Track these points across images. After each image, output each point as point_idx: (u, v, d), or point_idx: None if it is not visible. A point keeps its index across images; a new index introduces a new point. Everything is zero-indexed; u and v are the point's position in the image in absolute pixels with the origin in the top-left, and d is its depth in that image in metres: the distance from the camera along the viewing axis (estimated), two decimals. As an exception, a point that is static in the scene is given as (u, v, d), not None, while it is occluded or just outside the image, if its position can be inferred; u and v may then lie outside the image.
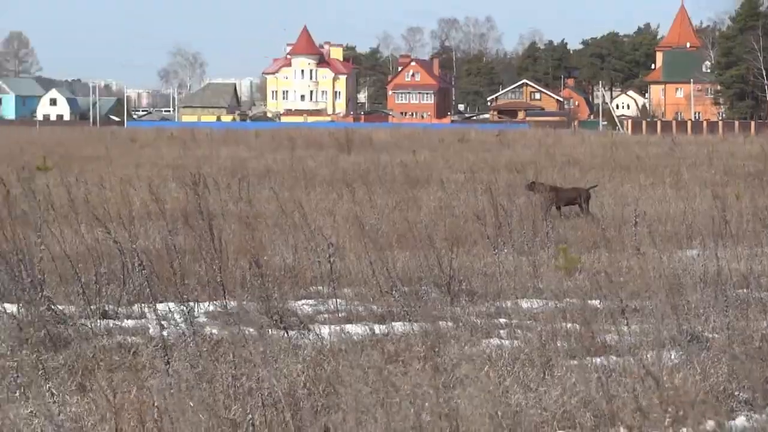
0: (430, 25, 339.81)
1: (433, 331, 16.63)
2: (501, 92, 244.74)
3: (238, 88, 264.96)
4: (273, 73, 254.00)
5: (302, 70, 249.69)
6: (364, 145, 75.67)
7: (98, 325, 17.61)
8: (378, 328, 17.24)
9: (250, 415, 12.12)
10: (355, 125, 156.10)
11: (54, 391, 11.76)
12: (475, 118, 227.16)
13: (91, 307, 18.44)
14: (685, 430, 11.68)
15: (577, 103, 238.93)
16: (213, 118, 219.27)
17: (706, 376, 13.95)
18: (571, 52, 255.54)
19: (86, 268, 19.49)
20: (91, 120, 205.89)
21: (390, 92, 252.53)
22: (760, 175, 46.40)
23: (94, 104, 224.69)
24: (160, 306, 17.61)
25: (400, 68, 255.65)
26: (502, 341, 16.61)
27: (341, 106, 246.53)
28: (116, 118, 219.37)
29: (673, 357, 15.02)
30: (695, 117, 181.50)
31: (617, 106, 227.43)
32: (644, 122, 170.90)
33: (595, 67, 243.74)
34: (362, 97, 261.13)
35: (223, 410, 12.12)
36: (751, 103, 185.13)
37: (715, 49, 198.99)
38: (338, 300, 19.83)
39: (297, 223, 25.37)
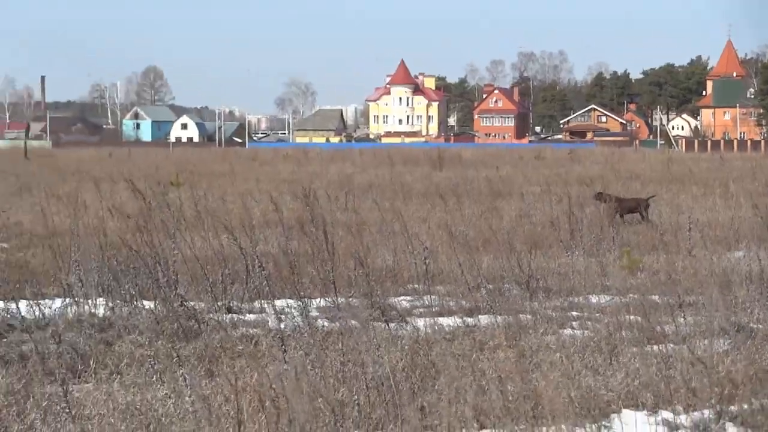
0: (510, 58, 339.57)
1: (514, 323, 16.53)
2: (572, 116, 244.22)
3: (344, 113, 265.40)
4: (375, 100, 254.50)
5: (400, 98, 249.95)
6: (453, 162, 75.49)
7: (224, 318, 17.59)
8: (467, 321, 17.16)
9: (355, 396, 12.04)
10: (446, 145, 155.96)
11: (185, 376, 11.71)
12: (549, 138, 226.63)
13: (218, 303, 18.44)
14: (733, 408, 11.52)
15: (638, 125, 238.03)
16: (323, 140, 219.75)
17: (752, 361, 13.77)
18: (633, 80, 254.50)
19: (213, 270, 19.48)
20: (216, 141, 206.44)
21: (476, 116, 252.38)
22: (798, 187, 46.11)
23: (220, 128, 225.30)
24: (278, 302, 17.59)
25: (484, 95, 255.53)
26: (574, 331, 16.52)
27: (434, 128, 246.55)
28: (239, 140, 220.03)
29: (722, 345, 14.87)
30: (740, 137, 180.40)
31: (673, 128, 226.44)
32: (696, 141, 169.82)
33: (653, 94, 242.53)
34: (452, 120, 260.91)
35: (332, 392, 12.03)
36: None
37: (758, 77, 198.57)
38: (432, 296, 19.76)
39: (396, 230, 25.30)
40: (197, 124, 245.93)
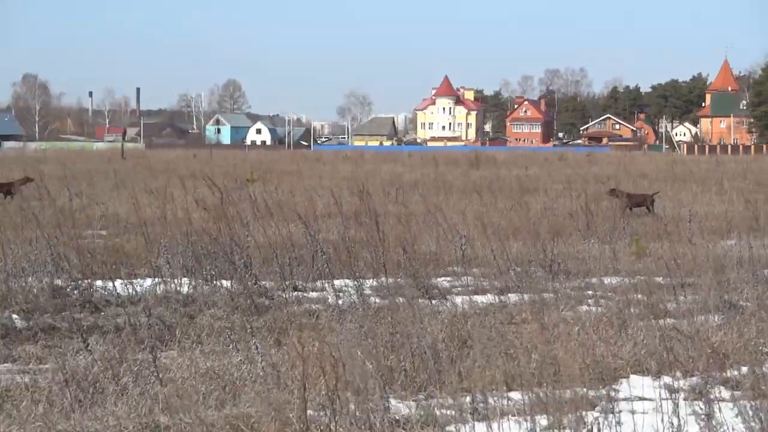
0: (538, 74, 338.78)
1: (538, 300, 16.52)
2: (590, 123, 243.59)
3: (395, 120, 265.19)
4: (422, 110, 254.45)
5: (444, 108, 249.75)
6: (488, 163, 75.42)
7: (290, 296, 17.64)
8: (498, 298, 17.16)
9: (402, 363, 12.07)
10: (482, 148, 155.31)
11: (257, 345, 11.76)
12: (570, 143, 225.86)
13: (285, 282, 18.48)
14: (724, 374, 11.50)
15: (646, 131, 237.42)
16: (377, 143, 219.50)
17: (741, 334, 13.76)
18: (643, 93, 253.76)
19: (282, 254, 19.51)
20: (286, 145, 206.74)
21: (508, 123, 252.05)
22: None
23: (289, 133, 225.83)
24: (336, 282, 17.63)
25: (516, 106, 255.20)
26: (590, 307, 16.51)
27: (472, 134, 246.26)
28: (305, 143, 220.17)
29: (716, 320, 14.88)
30: (734, 142, 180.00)
31: (676, 134, 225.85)
32: (696, 146, 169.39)
33: (660, 105, 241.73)
34: (487, 127, 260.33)
35: (383, 359, 12.06)
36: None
37: (750, 91, 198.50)
38: (468, 277, 19.77)
39: (438, 221, 25.29)
40: (269, 129, 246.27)
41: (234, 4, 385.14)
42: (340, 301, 15.63)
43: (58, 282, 17.66)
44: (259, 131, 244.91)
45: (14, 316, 15.78)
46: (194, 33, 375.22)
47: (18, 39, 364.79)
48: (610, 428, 7.65)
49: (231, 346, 13.04)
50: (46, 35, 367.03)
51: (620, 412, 8.46)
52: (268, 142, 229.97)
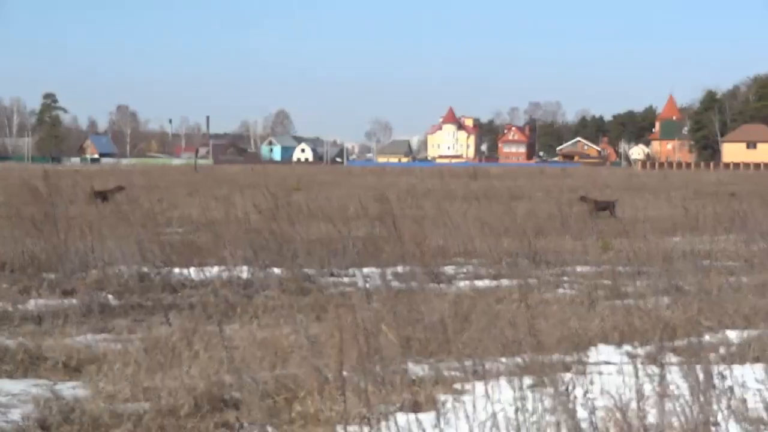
0: (523, 105, 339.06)
1: (524, 284, 16.49)
2: (564, 145, 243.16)
3: (411, 142, 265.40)
4: (432, 134, 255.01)
5: (449, 132, 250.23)
6: (484, 176, 75.43)
7: (328, 280, 17.65)
8: (492, 283, 17.14)
9: (418, 333, 12.06)
10: (479, 164, 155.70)
11: (302, 320, 11.75)
12: (549, 160, 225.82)
13: (324, 270, 18.48)
14: (672, 343, 11.46)
15: (609, 151, 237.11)
16: (396, 160, 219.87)
17: (685, 311, 13.70)
18: (606, 121, 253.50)
19: (321, 247, 19.52)
20: (324, 161, 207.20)
21: (500, 144, 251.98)
22: (716, 194, 46.08)
23: (327, 152, 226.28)
24: (365, 269, 17.59)
25: (506, 131, 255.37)
26: (566, 290, 16.49)
27: (471, 153, 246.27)
28: (339, 160, 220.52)
29: (665, 300, 14.83)
30: (678, 160, 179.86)
31: (632, 153, 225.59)
32: (648, 163, 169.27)
33: (619, 130, 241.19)
34: (484, 147, 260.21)
35: (402, 330, 12.05)
36: (711, 152, 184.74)
37: (690, 119, 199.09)
38: (469, 266, 19.75)
39: (445, 222, 25.27)
40: (312, 149, 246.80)
41: (284, 49, 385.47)
42: (367, 285, 15.59)
43: (144, 269, 17.70)
44: (303, 150, 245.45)
45: (109, 296, 15.80)
46: (252, 71, 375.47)
47: (114, 76, 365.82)
48: (583, 386, 7.59)
49: (281, 321, 13.05)
50: (136, 73, 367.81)
51: (590, 373, 8.44)
52: (310, 159, 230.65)
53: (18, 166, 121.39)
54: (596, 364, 10.95)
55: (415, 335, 12.02)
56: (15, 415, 9.21)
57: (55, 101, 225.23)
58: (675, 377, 7.95)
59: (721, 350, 11.77)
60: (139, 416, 9.17)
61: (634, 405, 7.73)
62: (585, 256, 20.57)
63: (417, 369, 10.54)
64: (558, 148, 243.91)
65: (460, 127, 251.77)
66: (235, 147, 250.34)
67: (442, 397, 9.26)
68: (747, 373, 9.20)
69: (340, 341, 9.38)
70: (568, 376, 9.00)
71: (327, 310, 13.97)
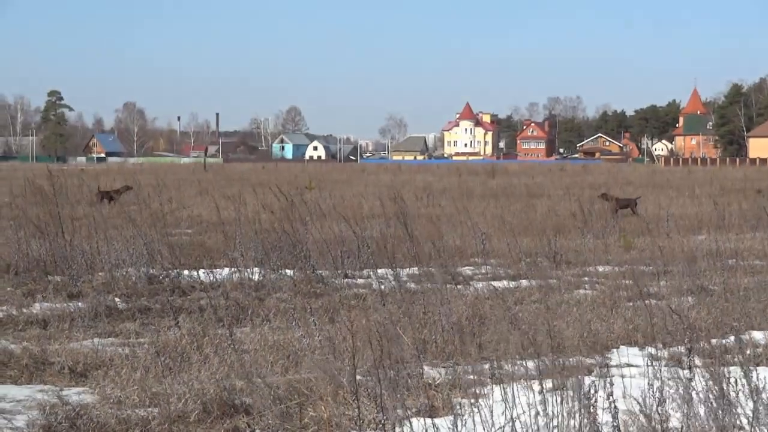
0: (542, 100, 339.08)
1: (544, 285, 16.48)
2: (585, 141, 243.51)
3: (426, 139, 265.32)
4: (448, 130, 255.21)
5: (465, 128, 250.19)
6: (502, 173, 75.39)
7: (342, 282, 17.63)
8: (511, 284, 17.13)
9: (434, 336, 12.05)
10: (497, 161, 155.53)
11: (315, 322, 11.75)
12: (569, 157, 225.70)
13: (338, 271, 18.48)
14: (697, 345, 11.44)
15: (631, 147, 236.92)
16: (411, 157, 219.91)
17: (710, 312, 13.69)
18: (628, 116, 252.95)
19: (335, 248, 19.51)
20: (338, 159, 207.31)
21: (518, 141, 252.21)
22: (743, 190, 45.96)
23: (340, 149, 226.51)
24: (379, 270, 17.60)
25: (524, 127, 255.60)
26: (586, 291, 16.45)
27: (489, 150, 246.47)
28: (353, 158, 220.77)
29: (689, 301, 14.80)
30: (702, 156, 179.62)
31: (655, 149, 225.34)
32: (671, 159, 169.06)
33: (642, 126, 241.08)
34: (501, 144, 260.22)
35: (417, 333, 12.05)
36: (737, 147, 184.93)
37: (715, 114, 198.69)
38: (487, 266, 19.72)
39: (462, 220, 25.26)
40: (324, 146, 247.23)
41: (295, 42, 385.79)
42: (382, 287, 15.60)
43: (153, 271, 17.72)
44: (315, 148, 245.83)
45: (117, 299, 15.84)
46: (262, 68, 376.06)
47: (120, 72, 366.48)
48: (605, 389, 7.59)
49: (293, 323, 13.04)
50: (143, 70, 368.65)
51: (613, 376, 8.44)
52: (323, 157, 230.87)
53: (22, 165, 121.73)
54: (618, 366, 10.93)
55: (431, 338, 12.03)
56: (20, 421, 9.24)
57: (61, 99, 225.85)
58: (699, 380, 7.95)
59: (747, 352, 11.76)
60: (147, 422, 9.19)
61: (657, 408, 7.72)
62: (606, 256, 20.54)
63: (433, 372, 10.54)
64: (578, 145, 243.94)
65: (478, 123, 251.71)
66: (246, 145, 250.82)
67: (458, 402, 9.25)
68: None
69: (353, 344, 9.38)
70: (589, 379, 8.99)
71: (340, 313, 13.98)
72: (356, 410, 8.12)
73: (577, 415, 7.67)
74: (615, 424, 7.49)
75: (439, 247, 19.12)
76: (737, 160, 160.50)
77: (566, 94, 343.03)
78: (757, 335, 12.52)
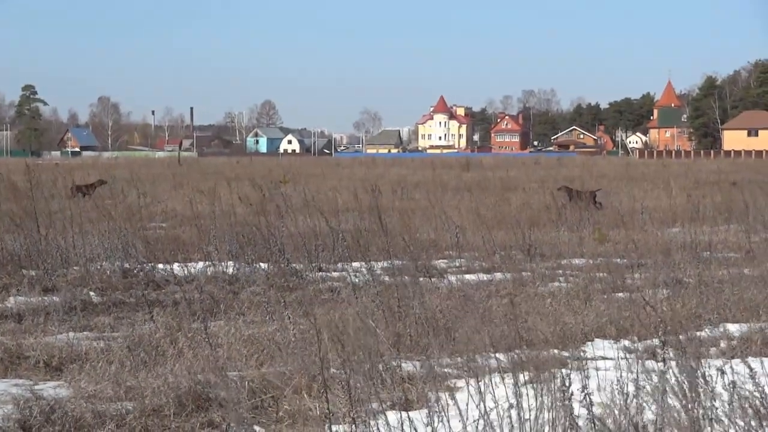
0: (516, 93, 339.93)
1: (518, 278, 16.49)
2: (559, 134, 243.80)
3: (401, 132, 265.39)
4: (422, 123, 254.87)
5: (440, 122, 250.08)
6: (477, 167, 75.38)
7: (316, 276, 17.62)
8: (485, 277, 17.13)
9: (408, 329, 12.04)
10: (471, 155, 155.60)
11: (289, 316, 11.72)
12: (543, 149, 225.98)
13: (312, 264, 18.46)
14: (671, 337, 11.46)
15: (605, 140, 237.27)
16: (386, 151, 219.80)
17: (684, 304, 13.73)
18: (602, 109, 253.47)
19: (309, 241, 19.50)
20: (312, 152, 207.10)
21: (492, 134, 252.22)
22: (717, 183, 46.10)
23: (314, 143, 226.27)
24: (353, 264, 17.59)
25: (498, 120, 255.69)
26: (561, 284, 16.46)
27: (463, 143, 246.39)
28: (327, 151, 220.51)
29: (664, 293, 14.83)
30: (677, 148, 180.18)
31: (629, 142, 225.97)
32: (646, 152, 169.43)
33: (616, 118, 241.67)
34: (476, 137, 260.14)
35: (392, 326, 12.05)
36: (711, 140, 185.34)
37: (689, 106, 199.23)
38: (461, 259, 19.73)
39: (436, 213, 25.25)
40: (298, 140, 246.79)
41: (269, 36, 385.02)
42: (355, 280, 15.58)
43: (127, 265, 17.68)
44: (290, 142, 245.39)
45: (91, 293, 15.79)
46: (236, 61, 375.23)
47: (94, 67, 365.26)
48: (579, 382, 7.59)
49: (268, 317, 13.03)
50: (117, 63, 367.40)
51: (587, 369, 8.44)
52: (298, 151, 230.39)
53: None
54: (593, 359, 10.94)
55: (405, 331, 12.01)
56: (-6, 416, 9.18)
57: (35, 93, 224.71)
58: (674, 372, 7.95)
59: (722, 344, 11.79)
60: (123, 416, 9.16)
61: (632, 401, 7.73)
62: (581, 249, 20.57)
63: (408, 366, 10.52)
64: (553, 138, 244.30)
65: (452, 116, 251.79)
66: (220, 139, 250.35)
67: (433, 395, 9.24)
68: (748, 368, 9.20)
69: (318, 339, 9.37)
70: (564, 371, 8.99)
71: (314, 307, 13.96)
72: (329, 403, 8.10)
73: (552, 408, 7.67)
74: (589, 416, 7.49)
75: (413, 240, 19.12)
76: (712, 152, 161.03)
77: (540, 87, 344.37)
78: (732, 327, 12.55)
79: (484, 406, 7.82)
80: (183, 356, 10.94)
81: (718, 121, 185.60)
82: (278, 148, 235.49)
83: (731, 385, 7.51)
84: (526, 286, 15.85)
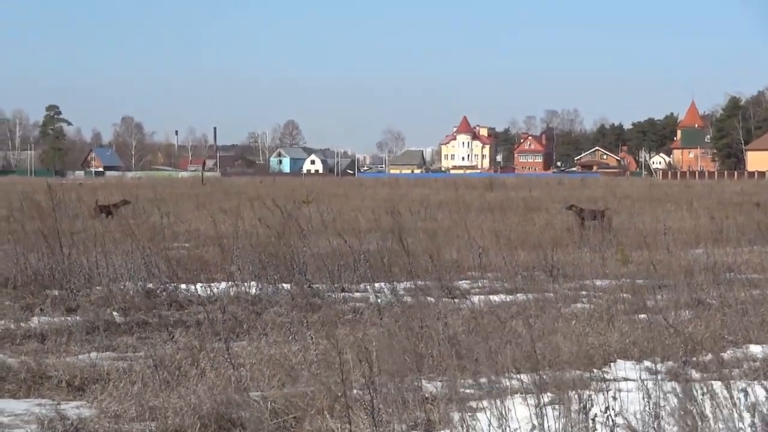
0: (539, 114, 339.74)
1: (541, 299, 16.47)
2: (583, 154, 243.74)
3: (424, 153, 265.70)
4: (446, 144, 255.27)
5: (463, 142, 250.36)
6: (500, 187, 75.34)
7: (338, 296, 17.63)
8: (508, 297, 17.10)
9: (430, 350, 12.04)
10: (495, 175, 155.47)
11: (312, 336, 11.73)
12: (566, 170, 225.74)
13: (334, 285, 18.47)
14: (694, 359, 11.43)
15: (628, 161, 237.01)
16: (409, 171, 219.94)
17: (707, 326, 13.69)
18: (626, 129, 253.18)
19: (331, 262, 19.51)
20: (335, 173, 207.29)
21: (516, 154, 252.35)
22: (740, 204, 45.96)
23: (337, 163, 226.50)
24: (376, 284, 17.59)
25: (522, 140, 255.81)
26: (584, 305, 16.43)
27: (486, 163, 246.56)
28: (350, 171, 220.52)
29: (687, 314, 14.80)
30: (700, 169, 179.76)
31: (653, 163, 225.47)
32: (669, 172, 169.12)
33: (639, 139, 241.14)
34: (499, 157, 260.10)
35: (414, 347, 12.04)
36: (735, 161, 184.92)
37: (713, 127, 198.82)
38: (484, 280, 19.70)
39: (459, 234, 25.25)
40: (321, 160, 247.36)
41: (293, 59, 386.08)
42: (379, 300, 15.58)
43: (150, 285, 17.71)
44: (313, 162, 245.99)
45: (114, 313, 15.83)
46: (260, 82, 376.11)
47: (118, 86, 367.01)
48: (602, 404, 7.58)
49: (290, 337, 13.05)
50: (141, 83, 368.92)
51: (610, 390, 8.42)
52: (321, 171, 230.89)
53: (21, 179, 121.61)
54: (616, 380, 10.92)
55: (428, 352, 12.01)
56: (18, 436, 9.22)
57: (59, 113, 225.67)
58: (697, 394, 7.94)
59: (745, 366, 11.75)
60: (145, 436, 9.18)
61: (654, 423, 7.71)
62: (604, 270, 20.51)
63: (430, 387, 10.52)
64: (576, 158, 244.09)
65: (475, 137, 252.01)
66: (243, 159, 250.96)
67: (456, 416, 9.23)
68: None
69: (340, 360, 9.37)
70: (586, 393, 8.98)
71: (337, 327, 13.97)
72: (351, 425, 8.11)
73: (574, 430, 7.66)
74: (612, 438, 7.48)
75: (436, 260, 19.11)
76: (735, 173, 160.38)
77: (564, 107, 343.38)
78: (755, 349, 12.51)
79: (507, 428, 7.81)
80: (205, 376, 10.96)
81: (742, 141, 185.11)
82: (301, 168, 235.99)
83: (752, 407, 7.49)
84: (550, 307, 15.82)
